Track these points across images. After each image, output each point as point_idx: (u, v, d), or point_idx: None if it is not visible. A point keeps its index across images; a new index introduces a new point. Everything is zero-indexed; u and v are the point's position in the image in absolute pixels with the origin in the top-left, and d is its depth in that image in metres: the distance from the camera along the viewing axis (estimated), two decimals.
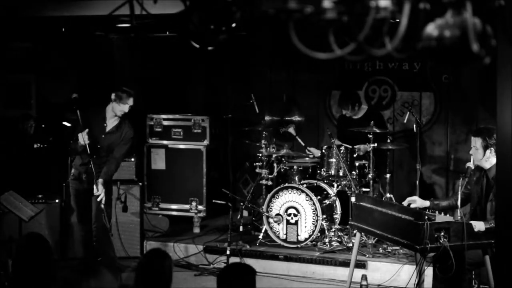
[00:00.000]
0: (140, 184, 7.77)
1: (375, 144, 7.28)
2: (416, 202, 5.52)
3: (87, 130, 6.24)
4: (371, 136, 7.25)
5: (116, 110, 6.43)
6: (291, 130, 8.12)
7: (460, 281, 5.25)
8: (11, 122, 8.34)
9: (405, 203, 5.54)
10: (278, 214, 7.36)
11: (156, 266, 3.72)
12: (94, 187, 6.25)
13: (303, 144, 8.13)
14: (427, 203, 5.52)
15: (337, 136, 8.11)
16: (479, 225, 5.08)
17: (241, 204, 7.54)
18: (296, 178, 7.67)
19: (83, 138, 6.19)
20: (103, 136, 6.48)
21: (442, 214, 5.17)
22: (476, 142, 5.32)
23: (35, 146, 8.28)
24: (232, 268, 3.96)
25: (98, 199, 6.28)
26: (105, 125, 6.50)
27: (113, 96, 6.39)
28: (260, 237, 7.47)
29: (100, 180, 6.29)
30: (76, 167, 6.53)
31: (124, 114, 6.47)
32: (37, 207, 6.76)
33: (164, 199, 8.39)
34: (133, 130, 6.57)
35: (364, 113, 8.01)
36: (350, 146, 7.57)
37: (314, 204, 7.19)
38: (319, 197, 7.33)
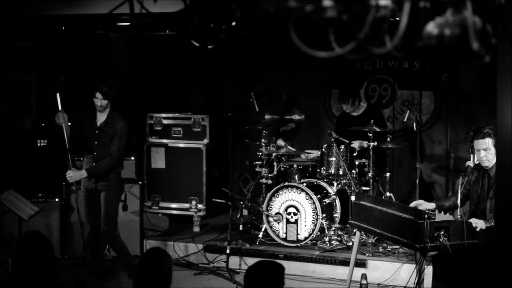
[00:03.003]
0: (140, 183, 7.76)
1: (375, 143, 7.29)
2: (422, 205, 5.51)
3: (61, 109, 6.34)
4: (371, 134, 7.26)
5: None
6: (280, 141, 8.09)
7: (460, 280, 5.25)
8: (11, 121, 8.33)
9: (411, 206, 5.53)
10: (278, 213, 7.36)
11: (156, 266, 3.72)
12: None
13: (293, 150, 8.09)
14: (432, 205, 5.51)
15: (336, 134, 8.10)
16: (480, 224, 5.08)
17: (241, 203, 7.53)
18: (296, 177, 7.67)
19: (58, 118, 6.30)
20: (96, 132, 6.46)
21: (442, 213, 5.17)
22: (488, 143, 5.26)
23: (38, 144, 8.28)
24: (261, 266, 3.89)
25: (68, 177, 6.32)
26: (96, 120, 6.49)
27: None
28: (260, 236, 7.47)
29: (83, 171, 6.30)
30: (85, 165, 6.51)
31: (110, 108, 6.44)
32: (37, 206, 6.76)
33: (164, 198, 8.38)
34: (125, 122, 6.44)
35: (364, 111, 8.01)
36: (347, 141, 7.58)
37: (314, 203, 7.19)
38: (319, 196, 7.33)
